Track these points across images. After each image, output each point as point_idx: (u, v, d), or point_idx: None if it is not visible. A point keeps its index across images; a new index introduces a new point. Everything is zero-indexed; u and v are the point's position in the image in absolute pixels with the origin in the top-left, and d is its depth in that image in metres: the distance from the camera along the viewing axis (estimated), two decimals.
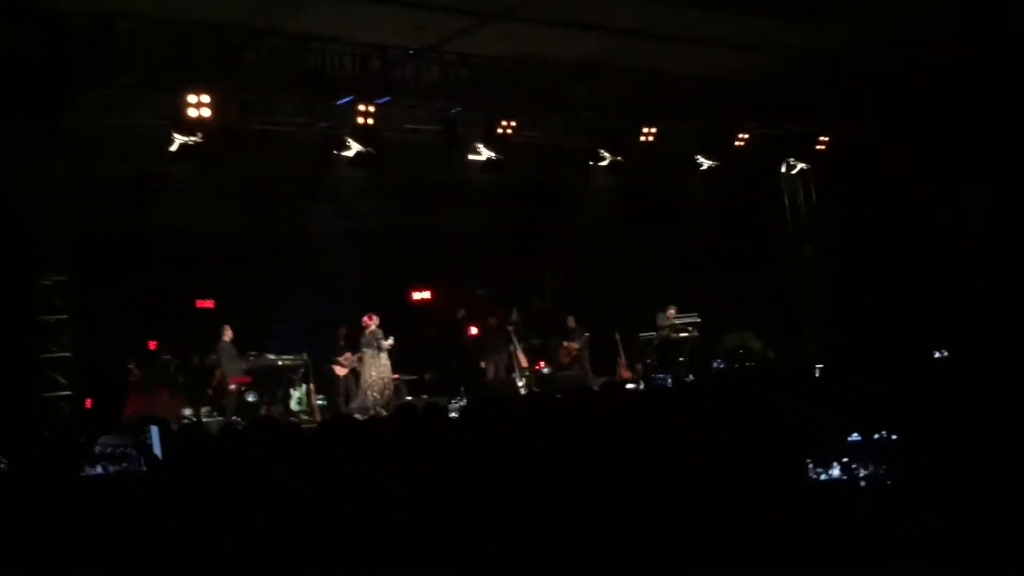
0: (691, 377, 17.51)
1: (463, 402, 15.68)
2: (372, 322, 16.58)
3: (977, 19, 14.82)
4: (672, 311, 18.76)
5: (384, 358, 16.52)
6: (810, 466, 5.37)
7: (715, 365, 17.77)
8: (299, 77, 14.15)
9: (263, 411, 15.25)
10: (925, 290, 16.64)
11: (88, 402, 13.88)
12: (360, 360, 16.62)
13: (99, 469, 6.68)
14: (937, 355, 13.53)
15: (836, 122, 18.54)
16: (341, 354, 16.69)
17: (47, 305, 12.74)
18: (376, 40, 14.46)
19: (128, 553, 5.09)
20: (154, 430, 6.66)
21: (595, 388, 12.19)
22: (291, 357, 16.07)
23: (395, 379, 16.87)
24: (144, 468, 6.56)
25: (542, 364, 19.11)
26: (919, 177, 17.19)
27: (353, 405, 16.14)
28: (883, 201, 17.67)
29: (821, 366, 14.14)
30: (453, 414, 12.18)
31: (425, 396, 16.97)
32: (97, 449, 6.66)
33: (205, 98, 13.12)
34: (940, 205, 16.94)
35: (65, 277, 12.85)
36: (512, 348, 18.06)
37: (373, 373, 16.41)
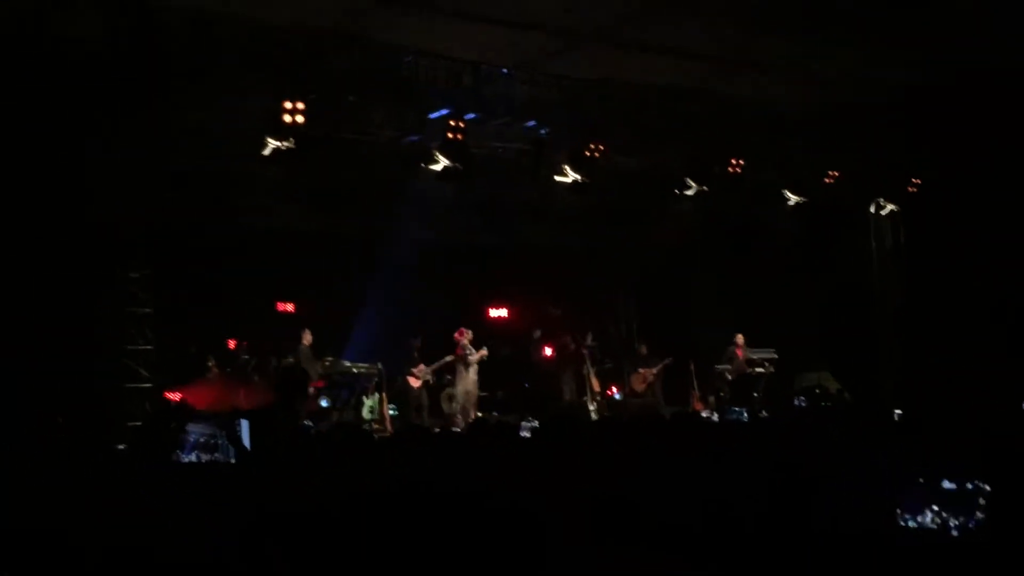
0: (764, 413, 17.23)
1: (535, 423, 15.58)
2: (463, 338, 16.61)
3: None
4: (740, 338, 18.53)
5: (472, 373, 16.54)
6: (898, 512, 5.19)
7: (797, 402, 17.44)
8: (391, 88, 14.28)
9: (335, 417, 15.34)
10: (1018, 339, 16.12)
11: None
12: (433, 373, 16.72)
13: (192, 456, 6.86)
14: None
15: (930, 163, 18.17)
16: (415, 366, 16.74)
17: (132, 298, 12.97)
18: (470, 56, 14.55)
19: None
20: (244, 423, 6.82)
21: (667, 417, 12.05)
22: (366, 365, 16.10)
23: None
24: (233, 460, 6.69)
25: (614, 389, 18.97)
26: (1011, 222, 16.73)
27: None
28: (974, 246, 17.22)
29: (900, 412, 13.77)
30: (524, 433, 12.09)
31: (495, 413, 16.94)
32: (191, 438, 6.83)
33: (300, 104, 13.27)
34: None
35: (150, 271, 13.08)
36: (586, 371, 17.97)
37: (459, 388, 16.48)
